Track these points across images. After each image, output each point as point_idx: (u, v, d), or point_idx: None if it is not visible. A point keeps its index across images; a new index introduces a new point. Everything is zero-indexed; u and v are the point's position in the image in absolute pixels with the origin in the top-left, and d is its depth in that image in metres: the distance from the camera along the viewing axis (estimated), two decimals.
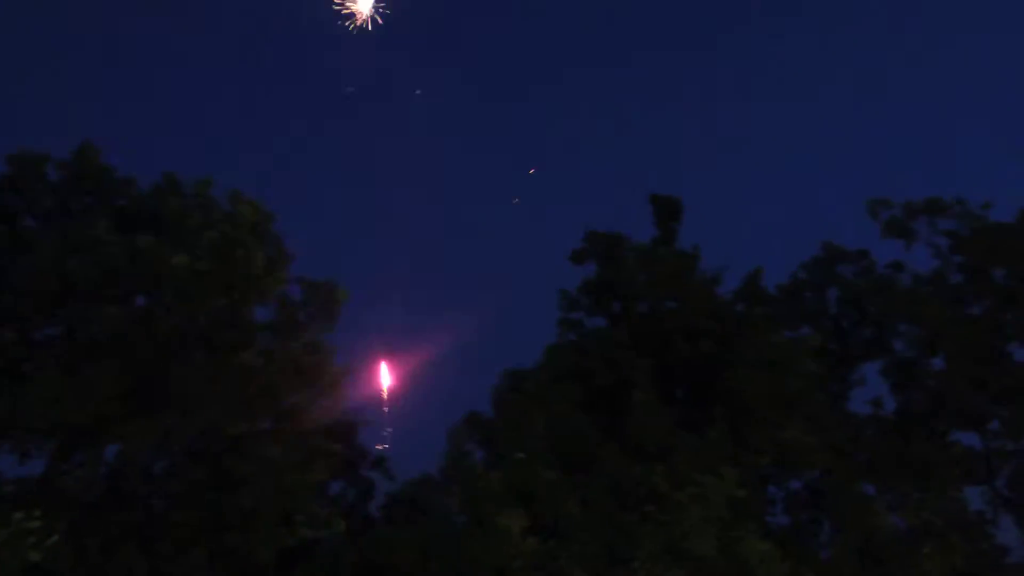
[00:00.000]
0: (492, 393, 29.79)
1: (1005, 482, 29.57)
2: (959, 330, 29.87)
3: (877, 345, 31.96)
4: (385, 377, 33.64)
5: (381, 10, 29.48)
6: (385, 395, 33.32)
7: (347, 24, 29.61)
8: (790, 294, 33.20)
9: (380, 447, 31.21)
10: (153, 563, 23.60)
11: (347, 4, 29.14)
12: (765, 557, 23.66)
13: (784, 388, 28.00)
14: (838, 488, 28.18)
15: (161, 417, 24.00)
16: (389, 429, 32.10)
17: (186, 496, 24.44)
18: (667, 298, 31.48)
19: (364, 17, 29.27)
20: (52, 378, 22.96)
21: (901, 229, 32.18)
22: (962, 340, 29.77)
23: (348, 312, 28.63)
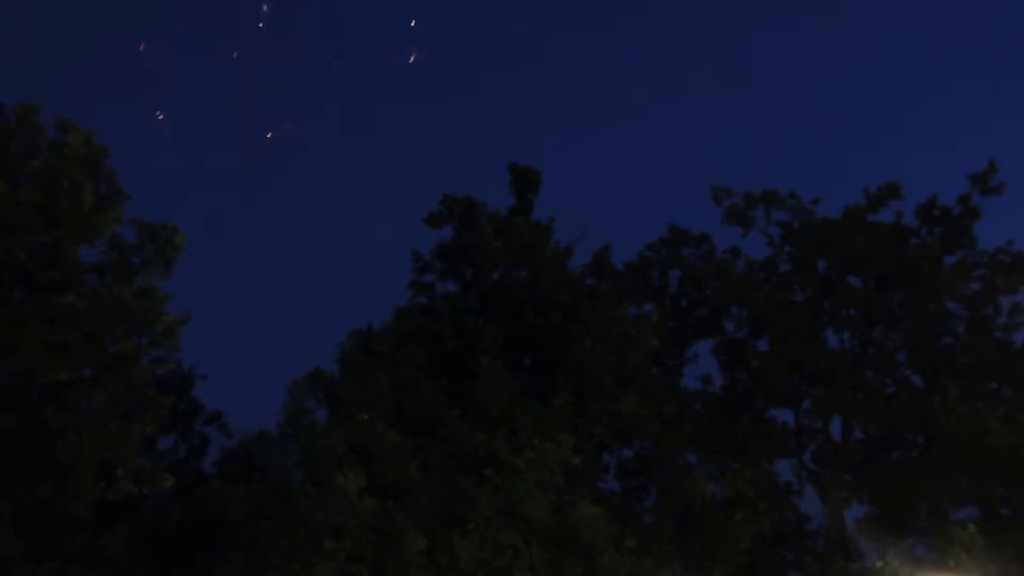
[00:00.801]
0: (338, 351, 29.27)
1: (811, 456, 32.36)
2: (783, 315, 32.13)
3: (711, 325, 33.89)
4: None
5: None
6: None
7: None
8: (636, 272, 34.52)
9: None
10: None
11: None
12: (593, 521, 24.74)
13: (624, 362, 29.17)
14: (665, 458, 29.80)
15: None
16: None
17: None
18: (520, 267, 31.94)
19: None
20: None
21: (740, 217, 34.11)
22: (785, 325, 32.08)
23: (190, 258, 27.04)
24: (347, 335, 30.09)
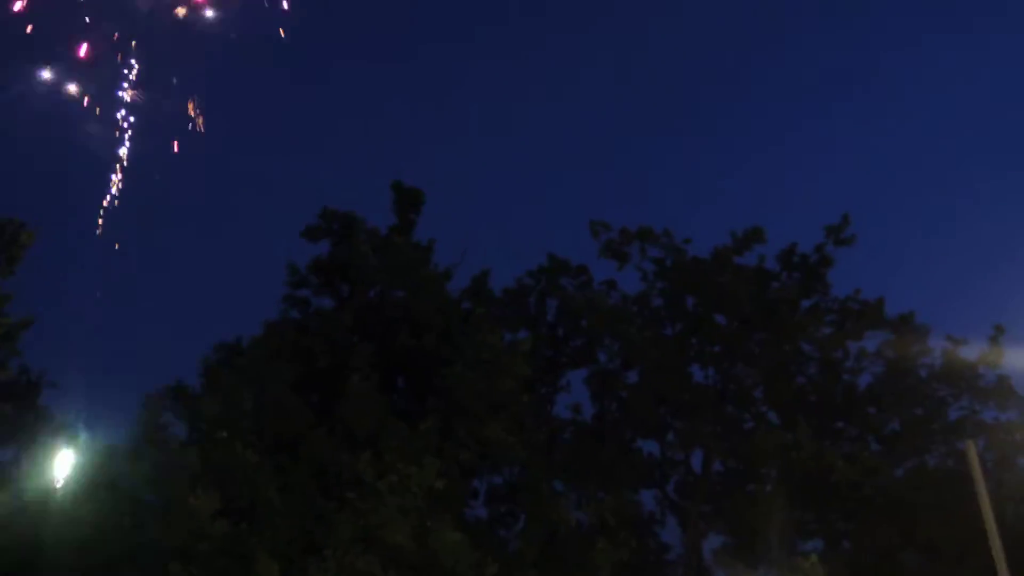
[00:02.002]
0: (201, 365, 28.13)
1: (673, 487, 33.35)
2: (653, 349, 33.19)
3: (585, 355, 34.59)
4: None
5: None
6: None
7: None
8: (514, 298, 34.89)
9: None
10: None
11: None
12: (455, 547, 24.57)
13: (495, 387, 29.30)
14: (532, 484, 30.04)
15: None
16: None
17: None
18: (397, 287, 31.71)
19: None
20: None
21: (616, 251, 35.13)
22: (654, 358, 33.13)
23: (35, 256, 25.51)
24: (213, 348, 29.03)
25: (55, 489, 27.66)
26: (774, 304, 33.21)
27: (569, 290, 35.33)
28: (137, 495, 24.99)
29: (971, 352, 32.25)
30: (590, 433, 33.26)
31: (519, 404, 29.94)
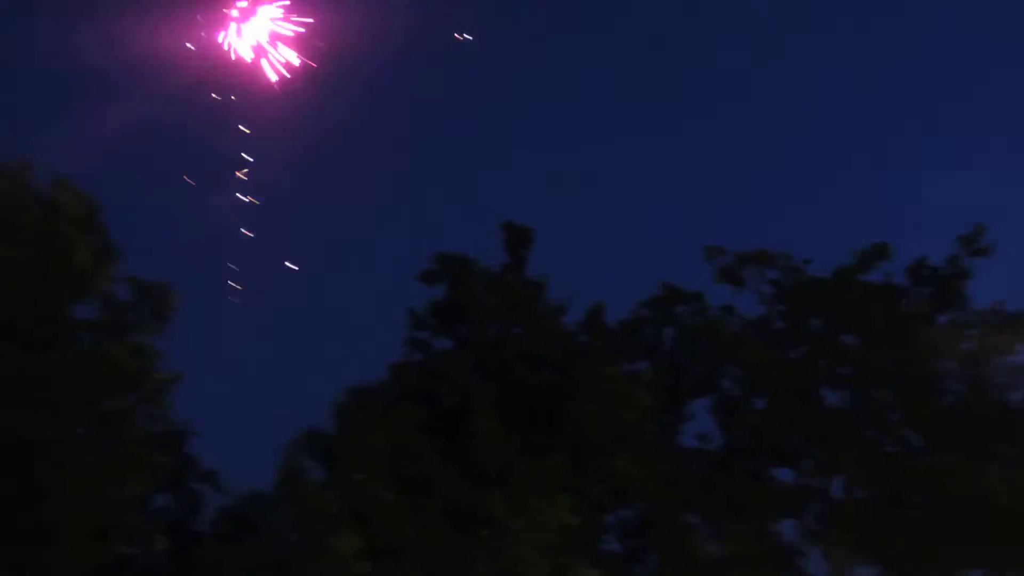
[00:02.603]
0: (333, 409, 28.93)
1: (814, 516, 31.88)
2: (777, 373, 32.13)
3: (707, 382, 33.77)
4: None
5: None
6: None
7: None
8: (630, 329, 34.55)
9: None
10: None
11: None
12: None
13: (619, 419, 29.02)
14: (664, 518, 29.40)
15: None
16: None
17: None
18: (513, 324, 32.01)
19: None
20: None
21: (732, 276, 34.38)
22: (780, 382, 32.05)
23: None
24: (342, 392, 29.82)
25: (204, 534, 28.82)
26: (906, 320, 31.70)
27: (686, 318, 34.74)
28: (282, 538, 25.74)
29: None
30: (719, 463, 32.26)
31: (644, 435, 29.55)
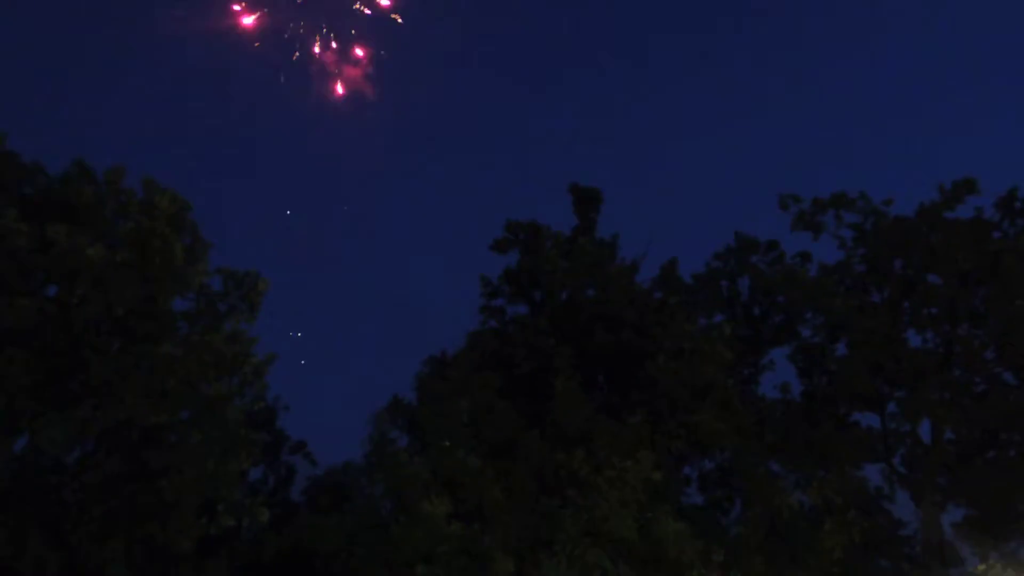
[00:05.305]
0: (415, 379, 30.06)
1: (901, 460, 31.49)
2: (860, 318, 31.55)
3: (786, 332, 33.49)
4: None
5: None
6: None
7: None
8: (705, 283, 34.41)
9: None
10: (66, 555, 23.13)
11: None
12: (679, 536, 24.75)
13: (698, 375, 29.12)
14: (747, 468, 29.52)
15: (75, 409, 23.41)
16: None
17: (102, 487, 23.97)
18: (587, 286, 32.28)
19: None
20: None
21: (809, 222, 33.70)
22: (862, 327, 31.49)
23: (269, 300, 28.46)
24: (422, 362, 30.90)
25: (299, 504, 30.59)
26: (997, 256, 30.51)
27: (761, 267, 34.34)
28: (375, 506, 27.15)
29: None
30: (801, 411, 32.10)
31: (724, 389, 29.58)
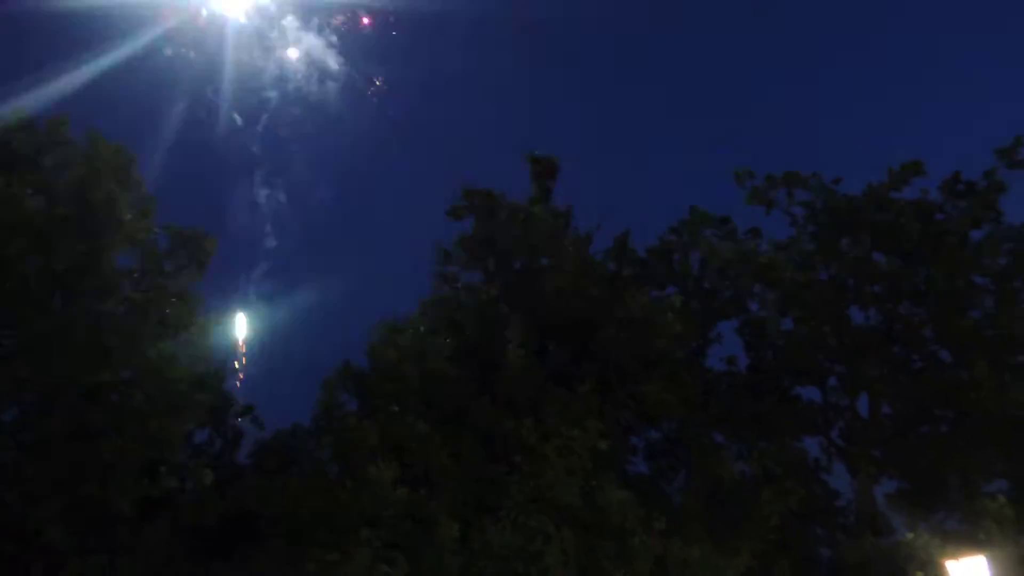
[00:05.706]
0: (367, 345, 29.85)
1: (838, 433, 32.43)
2: (807, 294, 32.21)
3: (735, 306, 34.01)
4: (241, 328, 33.31)
5: None
6: (242, 347, 33.00)
7: None
8: (658, 256, 34.69)
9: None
10: (1, 516, 22.66)
11: None
12: (622, 504, 25.17)
13: (648, 346, 29.49)
14: (692, 439, 30.15)
15: (12, 367, 22.79)
16: (241, 375, 32.01)
17: (39, 447, 23.45)
18: (541, 256, 32.32)
19: None
20: None
21: (762, 198, 34.13)
22: (809, 303, 32.18)
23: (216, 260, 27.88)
24: (374, 327, 30.66)
25: (245, 466, 30.34)
26: (940, 236, 31.30)
27: (714, 242, 34.73)
28: (322, 469, 27.09)
29: None
30: (746, 384, 32.78)
31: (673, 361, 30.04)
